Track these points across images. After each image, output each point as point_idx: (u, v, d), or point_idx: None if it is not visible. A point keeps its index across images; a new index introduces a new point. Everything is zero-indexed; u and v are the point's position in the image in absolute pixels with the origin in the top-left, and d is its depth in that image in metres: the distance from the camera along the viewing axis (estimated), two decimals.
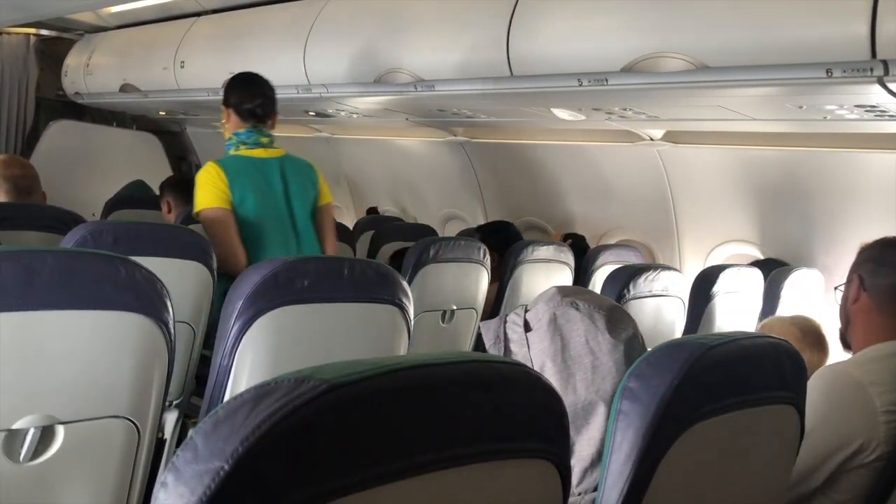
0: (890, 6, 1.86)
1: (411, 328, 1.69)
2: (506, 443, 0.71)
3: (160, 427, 1.47)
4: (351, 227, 4.29)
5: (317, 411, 0.56)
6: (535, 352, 1.21)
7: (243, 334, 1.49)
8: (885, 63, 1.95)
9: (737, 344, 0.98)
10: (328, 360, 0.63)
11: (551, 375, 1.18)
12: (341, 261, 1.55)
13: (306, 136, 5.57)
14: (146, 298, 1.30)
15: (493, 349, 1.26)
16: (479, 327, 3.04)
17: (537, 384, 0.73)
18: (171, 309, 1.34)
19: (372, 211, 5.46)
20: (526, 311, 1.26)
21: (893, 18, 1.87)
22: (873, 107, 2.36)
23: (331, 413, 0.57)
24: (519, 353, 1.22)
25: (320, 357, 0.63)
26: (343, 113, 4.31)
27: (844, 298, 1.79)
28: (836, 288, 1.86)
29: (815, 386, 1.52)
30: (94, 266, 1.25)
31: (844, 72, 2.04)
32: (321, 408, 0.57)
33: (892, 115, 2.44)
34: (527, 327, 1.24)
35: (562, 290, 1.26)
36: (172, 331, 1.35)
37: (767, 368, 1.04)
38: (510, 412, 0.71)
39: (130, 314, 1.29)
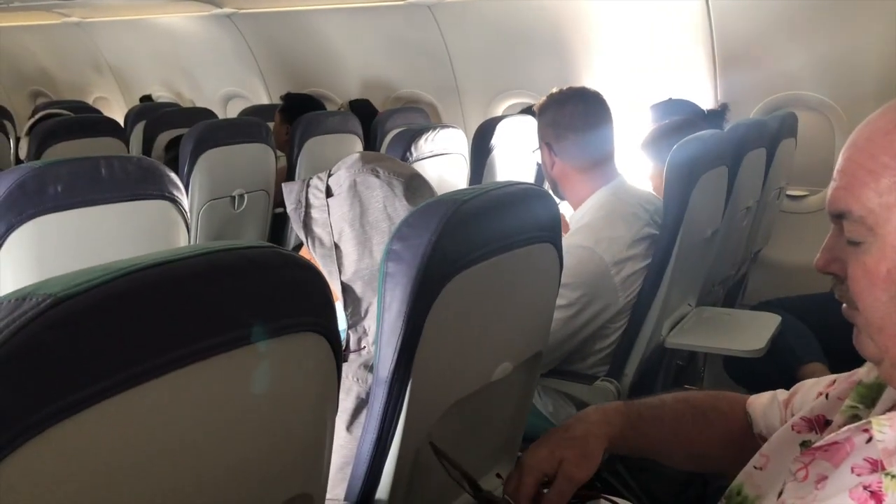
0: None
1: (189, 220, 1.63)
2: (268, 323, 0.72)
3: None
4: (121, 120, 3.97)
5: (43, 328, 0.54)
6: (334, 217, 1.22)
7: None
8: None
9: (488, 195, 1.04)
10: None
11: (349, 240, 1.20)
12: (96, 160, 1.43)
13: (52, 22, 4.98)
14: None
15: (293, 214, 1.25)
16: (273, 209, 2.99)
17: (290, 262, 0.74)
18: None
19: (145, 99, 5.07)
20: (329, 175, 1.26)
21: None
22: None
23: (59, 329, 0.55)
24: (319, 219, 1.22)
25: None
26: None
27: (543, 164, 1.93)
28: (532, 151, 1.99)
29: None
30: None
31: None
32: (47, 324, 0.54)
33: None
34: (328, 192, 1.23)
35: (364, 157, 1.26)
36: None
37: (521, 212, 1.12)
38: (266, 293, 0.72)
39: None
